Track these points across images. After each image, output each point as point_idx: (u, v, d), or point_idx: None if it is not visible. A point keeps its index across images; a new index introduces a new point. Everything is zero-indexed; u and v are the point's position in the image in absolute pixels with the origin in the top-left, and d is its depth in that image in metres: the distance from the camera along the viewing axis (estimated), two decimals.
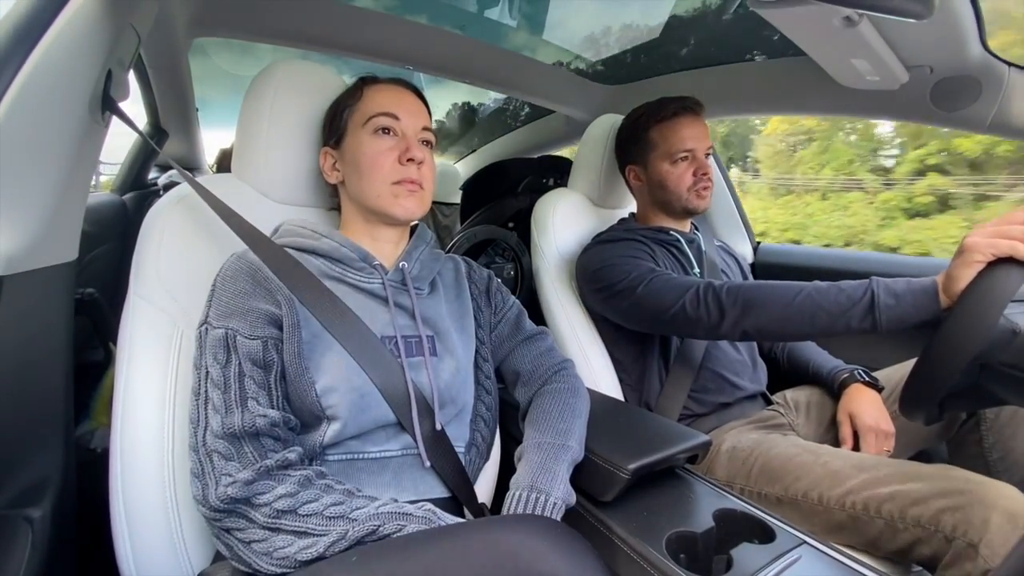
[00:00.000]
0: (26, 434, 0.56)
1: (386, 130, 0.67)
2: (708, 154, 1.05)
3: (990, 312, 0.61)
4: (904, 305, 0.71)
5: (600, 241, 1.06)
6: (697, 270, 1.06)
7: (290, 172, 0.75)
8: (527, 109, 2.18)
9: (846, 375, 1.01)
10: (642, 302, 0.90)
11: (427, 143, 0.70)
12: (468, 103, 2.35)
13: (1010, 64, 0.98)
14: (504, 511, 0.58)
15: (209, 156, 2.35)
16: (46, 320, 0.58)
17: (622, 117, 1.22)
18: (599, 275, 0.99)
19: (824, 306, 0.75)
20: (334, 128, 0.70)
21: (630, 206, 1.30)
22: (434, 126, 0.73)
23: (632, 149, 1.10)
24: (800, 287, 0.78)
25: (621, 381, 1.05)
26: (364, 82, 0.71)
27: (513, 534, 0.42)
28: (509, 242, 1.48)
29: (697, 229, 1.15)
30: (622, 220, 1.15)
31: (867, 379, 0.99)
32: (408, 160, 0.66)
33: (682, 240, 1.07)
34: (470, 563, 0.40)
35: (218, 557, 0.60)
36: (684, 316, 0.85)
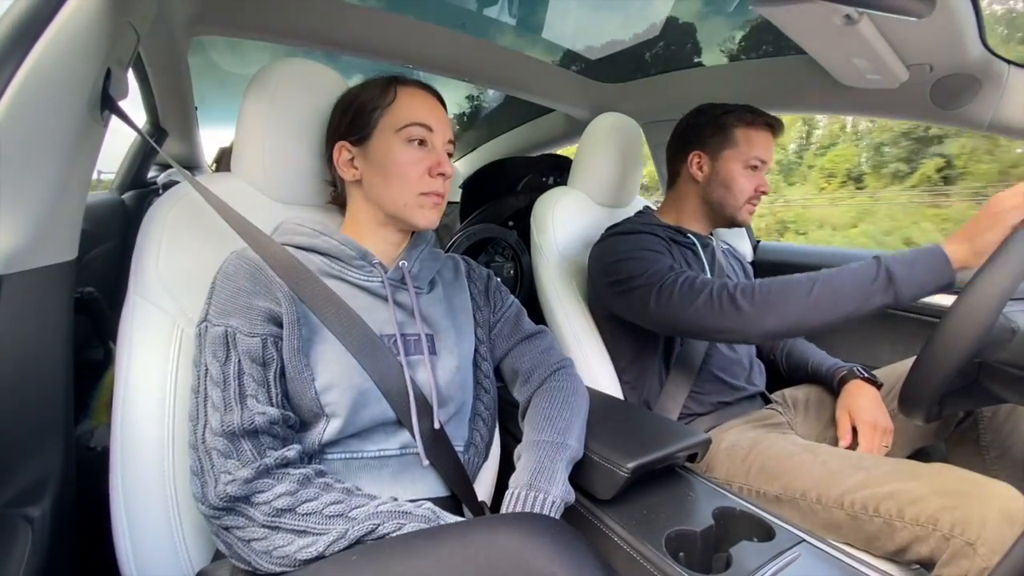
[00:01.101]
0: (26, 433, 0.56)
1: (420, 141, 0.67)
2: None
3: (1012, 281, 0.60)
4: (919, 272, 0.73)
5: (617, 232, 1.04)
6: (708, 275, 1.05)
7: (289, 171, 0.75)
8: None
9: (845, 372, 1.02)
10: (658, 306, 0.88)
11: (449, 155, 0.70)
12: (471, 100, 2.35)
13: (1010, 62, 0.98)
14: (503, 510, 0.58)
15: (208, 155, 2.35)
16: (46, 319, 0.58)
17: (623, 115, 1.22)
18: (616, 268, 0.96)
19: (843, 290, 0.76)
20: (357, 125, 0.68)
21: (631, 204, 1.29)
22: None
23: (708, 137, 1.05)
24: (810, 277, 0.79)
25: (621, 380, 1.05)
26: (398, 82, 0.69)
27: (513, 533, 0.42)
28: (509, 241, 1.49)
29: (711, 234, 1.14)
30: (640, 213, 1.13)
31: (866, 376, 1.00)
32: (439, 174, 0.67)
33: (697, 244, 1.06)
34: (470, 562, 0.40)
35: (218, 555, 0.60)
36: (697, 319, 0.83)
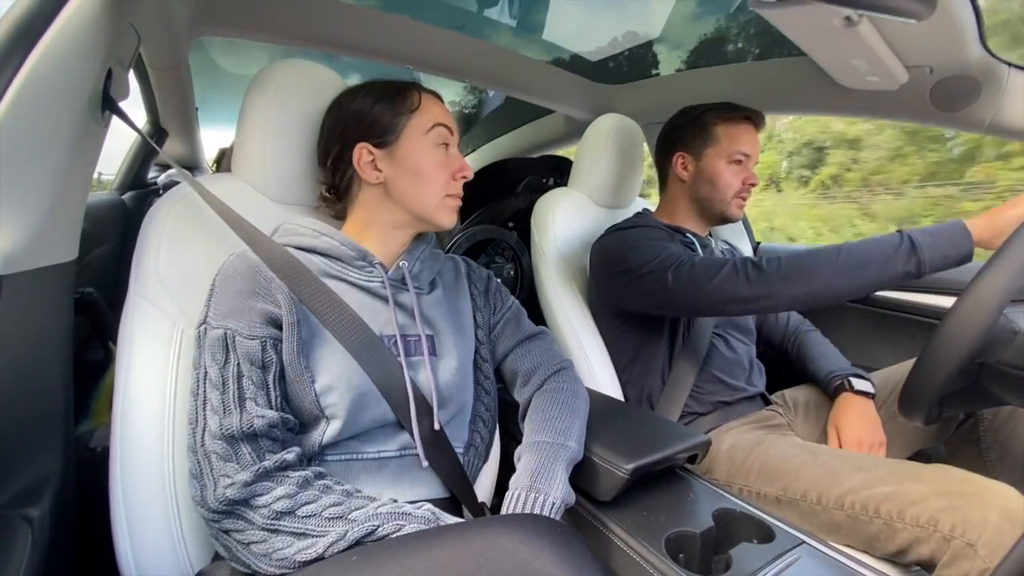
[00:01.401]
0: (26, 433, 0.56)
1: (446, 144, 0.69)
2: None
3: (1013, 281, 0.61)
4: (943, 242, 0.76)
5: (619, 228, 1.05)
6: None
7: (289, 172, 0.75)
8: None
9: (838, 382, 1.00)
10: (679, 281, 0.87)
11: None
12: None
13: (1010, 64, 0.98)
14: (503, 511, 0.58)
15: (208, 156, 2.35)
16: (46, 319, 0.58)
17: (623, 116, 1.22)
18: (625, 256, 0.95)
19: (868, 256, 0.78)
20: (382, 127, 0.67)
21: (631, 206, 1.29)
22: None
23: (689, 137, 1.08)
24: (836, 246, 0.80)
25: (622, 379, 1.05)
26: (417, 88, 0.70)
27: (512, 534, 0.42)
28: (509, 242, 1.49)
29: (710, 234, 1.15)
30: (638, 214, 1.14)
31: (859, 388, 0.98)
32: (462, 177, 0.70)
33: (696, 244, 1.06)
34: (470, 563, 0.40)
35: (217, 556, 0.60)
36: (723, 290, 0.83)
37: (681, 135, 1.09)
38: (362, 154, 0.68)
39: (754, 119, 1.04)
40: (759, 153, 1.06)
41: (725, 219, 1.07)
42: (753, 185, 1.05)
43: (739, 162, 1.03)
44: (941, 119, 1.09)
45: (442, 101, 0.72)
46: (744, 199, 1.05)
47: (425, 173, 0.68)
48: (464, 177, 0.70)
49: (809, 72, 1.15)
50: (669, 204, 1.13)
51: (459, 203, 0.71)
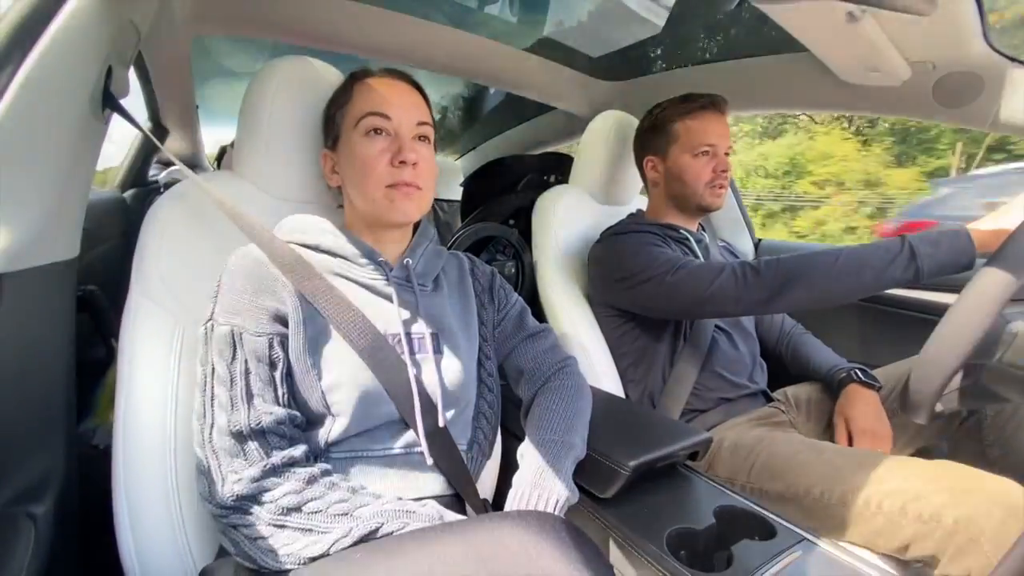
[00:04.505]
0: (28, 431, 0.56)
1: (378, 131, 0.64)
2: (727, 153, 1.05)
3: (1011, 281, 0.61)
4: (943, 251, 0.76)
5: (615, 233, 1.05)
6: None
7: (291, 168, 0.75)
8: None
9: (844, 375, 1.01)
10: (677, 286, 0.88)
11: (424, 138, 0.67)
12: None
13: (1013, 59, 0.97)
14: (507, 508, 0.58)
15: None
16: (48, 317, 0.58)
17: (624, 113, 1.22)
18: (622, 264, 0.96)
19: (866, 262, 0.78)
20: (329, 130, 0.69)
21: (632, 203, 1.29)
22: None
23: (653, 140, 1.09)
24: (835, 250, 0.80)
25: (624, 377, 1.05)
26: (354, 78, 0.69)
27: (518, 530, 0.42)
28: (510, 239, 1.48)
29: (703, 229, 1.15)
30: (631, 215, 1.14)
31: (864, 379, 0.99)
32: (400, 162, 0.63)
33: (691, 239, 1.06)
34: (475, 559, 0.40)
35: (221, 553, 0.60)
36: (722, 294, 0.84)
37: (647, 139, 1.11)
38: (326, 161, 0.70)
39: (708, 107, 1.03)
40: (727, 138, 1.04)
41: (705, 209, 1.07)
42: (724, 171, 1.03)
43: (705, 153, 1.03)
44: (944, 115, 1.08)
45: (395, 76, 0.68)
46: (720, 187, 1.04)
47: (358, 169, 0.64)
48: (403, 162, 0.62)
49: (812, 68, 1.14)
50: (654, 204, 1.14)
51: (410, 191, 0.64)
